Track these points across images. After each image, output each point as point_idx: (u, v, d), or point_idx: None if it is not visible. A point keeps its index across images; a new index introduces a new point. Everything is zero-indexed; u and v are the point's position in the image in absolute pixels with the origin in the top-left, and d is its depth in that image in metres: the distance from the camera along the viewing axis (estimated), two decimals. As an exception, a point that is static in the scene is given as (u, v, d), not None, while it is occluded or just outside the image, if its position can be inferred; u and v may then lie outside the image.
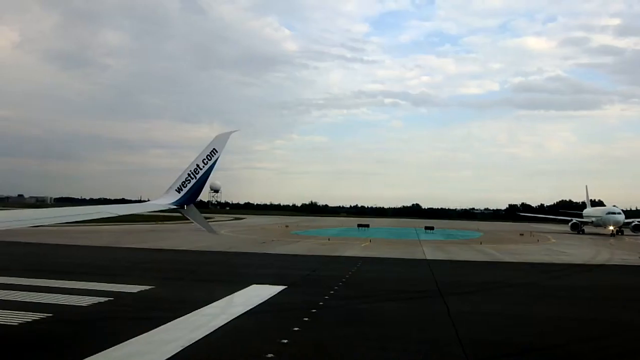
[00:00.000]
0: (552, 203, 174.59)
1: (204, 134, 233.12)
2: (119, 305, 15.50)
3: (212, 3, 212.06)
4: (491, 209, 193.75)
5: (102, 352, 10.22)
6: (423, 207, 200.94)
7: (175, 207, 12.93)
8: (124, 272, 23.34)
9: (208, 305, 15.23)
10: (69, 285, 18.35)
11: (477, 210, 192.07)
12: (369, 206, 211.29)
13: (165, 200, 13.10)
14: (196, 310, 14.43)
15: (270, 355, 10.22)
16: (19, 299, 15.55)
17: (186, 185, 13.07)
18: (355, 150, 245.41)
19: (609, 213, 62.38)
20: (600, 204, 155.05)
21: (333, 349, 11.14)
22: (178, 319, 13.32)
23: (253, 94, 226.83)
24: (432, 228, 64.76)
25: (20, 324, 12.62)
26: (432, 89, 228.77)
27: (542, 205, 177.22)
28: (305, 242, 44.82)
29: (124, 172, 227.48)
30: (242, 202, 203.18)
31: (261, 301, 16.18)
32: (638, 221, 63.38)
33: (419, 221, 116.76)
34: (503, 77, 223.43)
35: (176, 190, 13.06)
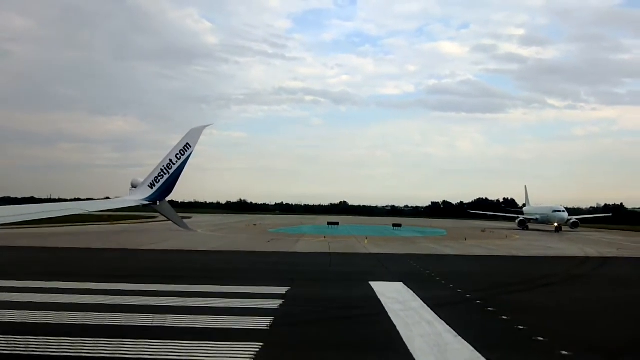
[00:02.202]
0: (471, 201, 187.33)
1: (118, 127, 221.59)
2: (304, 306, 15.63)
3: None
4: (411, 206, 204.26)
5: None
6: (350, 205, 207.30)
7: (147, 203, 12.81)
8: (241, 274, 23.28)
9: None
10: (229, 289, 18.20)
11: (398, 207, 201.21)
12: (295, 204, 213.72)
13: (137, 196, 12.96)
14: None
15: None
16: (238, 306, 15.30)
17: (159, 181, 12.92)
18: (276, 147, 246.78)
19: (555, 211, 68.88)
20: (512, 202, 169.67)
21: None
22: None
23: (171, 87, 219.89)
24: (400, 225, 67.86)
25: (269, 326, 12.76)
26: (352, 88, 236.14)
27: (461, 202, 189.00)
28: (308, 240, 45.39)
29: (29, 168, 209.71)
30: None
31: (413, 297, 17.10)
32: (576, 219, 70.94)
33: (361, 218, 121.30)
34: (418, 79, 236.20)
35: (149, 185, 12.89)
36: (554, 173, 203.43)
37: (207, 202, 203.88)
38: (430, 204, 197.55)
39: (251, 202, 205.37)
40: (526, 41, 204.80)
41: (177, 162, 12.97)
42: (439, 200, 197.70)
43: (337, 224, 68.92)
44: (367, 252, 35.44)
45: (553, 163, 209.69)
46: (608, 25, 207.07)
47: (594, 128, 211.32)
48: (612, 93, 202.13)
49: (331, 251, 35.25)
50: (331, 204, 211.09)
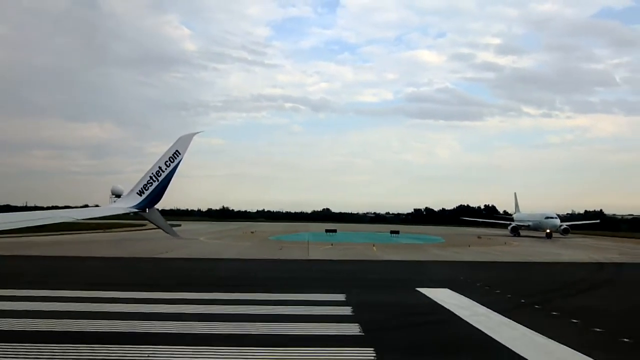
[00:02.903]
0: (452, 207, 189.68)
1: (94, 134, 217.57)
2: (376, 312, 15.96)
3: None
4: (392, 212, 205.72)
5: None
6: (333, 211, 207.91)
7: (136, 210, 12.84)
8: (283, 282, 23.47)
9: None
10: (287, 297, 18.49)
11: (380, 214, 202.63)
12: (277, 210, 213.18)
13: (127, 203, 12.98)
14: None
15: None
16: (308, 313, 15.66)
17: (148, 188, 12.89)
18: (256, 154, 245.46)
19: (547, 217, 70.64)
20: (493, 209, 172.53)
21: None
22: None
23: (149, 94, 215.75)
24: (397, 232, 68.75)
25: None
26: (331, 95, 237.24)
27: (443, 209, 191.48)
28: (317, 247, 45.52)
29: (2, 174, 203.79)
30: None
31: (472, 303, 17.71)
32: (566, 225, 72.94)
33: (349, 225, 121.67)
34: (397, 87, 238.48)
35: (137, 193, 12.89)
36: (531, 180, 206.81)
37: (189, 209, 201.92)
38: (412, 210, 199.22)
39: (233, 210, 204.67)
40: (502, 50, 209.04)
41: (166, 169, 13.14)
42: (421, 207, 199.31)
43: (334, 231, 69.42)
44: (382, 259, 36.14)
45: (530, 170, 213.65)
46: (581, 36, 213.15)
47: (568, 136, 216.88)
48: (585, 102, 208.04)
49: (347, 258, 35.78)
50: (314, 211, 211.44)
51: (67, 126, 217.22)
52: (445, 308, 16.70)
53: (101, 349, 11.07)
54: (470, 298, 18.52)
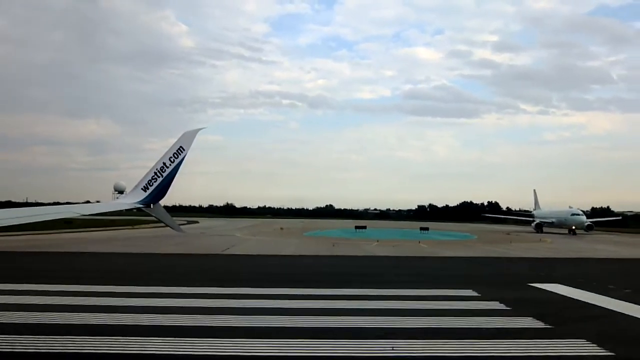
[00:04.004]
0: (456, 204, 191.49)
1: (92, 130, 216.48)
2: (534, 307, 16.03)
3: None
4: (393, 209, 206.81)
5: None
6: (337, 208, 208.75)
7: (141, 206, 13.02)
8: (396, 278, 23.81)
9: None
10: (425, 293, 18.83)
11: (384, 210, 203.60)
12: (278, 207, 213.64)
13: (131, 199, 13.15)
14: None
15: None
16: (464, 307, 15.91)
17: (152, 184, 13.04)
18: (253, 151, 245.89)
19: (573, 214, 71.78)
20: (496, 205, 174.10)
21: None
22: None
23: (146, 90, 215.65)
24: (427, 229, 69.55)
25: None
26: (328, 92, 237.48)
27: (447, 206, 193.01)
28: (367, 244, 45.96)
29: (1, 171, 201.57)
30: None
31: (608, 299, 17.98)
32: (590, 221, 74.14)
33: (357, 222, 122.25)
34: (394, 84, 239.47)
35: (142, 188, 13.04)
36: (529, 177, 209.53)
37: (191, 205, 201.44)
38: (416, 207, 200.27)
39: (236, 206, 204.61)
40: (499, 47, 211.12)
41: (170, 165, 13.27)
42: (423, 203, 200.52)
43: (364, 227, 70.08)
44: (444, 255, 36.66)
45: (528, 167, 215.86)
46: (578, 33, 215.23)
47: (565, 133, 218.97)
48: (581, 99, 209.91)
49: (410, 255, 36.24)
50: (317, 207, 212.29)
51: (64, 122, 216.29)
52: (590, 303, 17.13)
53: (254, 343, 11.31)
54: (600, 294, 18.73)
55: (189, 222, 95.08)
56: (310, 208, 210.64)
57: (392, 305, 16.19)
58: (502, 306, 16.32)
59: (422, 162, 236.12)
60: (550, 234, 70.39)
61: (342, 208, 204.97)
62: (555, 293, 19.27)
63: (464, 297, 18.03)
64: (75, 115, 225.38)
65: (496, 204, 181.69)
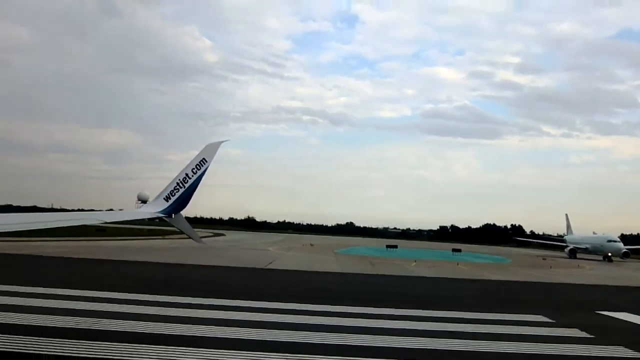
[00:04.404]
0: (479, 226, 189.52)
1: (112, 139, 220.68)
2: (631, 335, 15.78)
3: (131, 6, 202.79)
4: (413, 229, 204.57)
5: None
6: (357, 225, 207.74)
7: (163, 215, 13.04)
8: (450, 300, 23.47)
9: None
10: (492, 317, 18.53)
11: (405, 230, 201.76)
12: (298, 222, 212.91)
13: (153, 208, 13.19)
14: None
15: None
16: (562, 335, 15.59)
17: (174, 194, 13.12)
18: (273, 166, 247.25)
19: (610, 241, 70.46)
20: (519, 229, 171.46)
21: None
22: None
23: (168, 102, 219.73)
24: (459, 250, 68.85)
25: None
26: (349, 109, 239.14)
27: (469, 227, 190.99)
28: (406, 264, 45.65)
29: (17, 176, 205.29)
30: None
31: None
32: (627, 249, 72.57)
33: (382, 240, 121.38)
34: (415, 103, 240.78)
35: (164, 198, 13.11)
36: (552, 200, 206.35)
37: (211, 217, 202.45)
38: (438, 227, 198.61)
39: (257, 220, 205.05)
40: (521, 69, 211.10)
41: (193, 176, 13.33)
42: (443, 223, 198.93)
43: (395, 247, 69.63)
44: (489, 278, 36.04)
45: (550, 191, 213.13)
46: (600, 56, 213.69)
47: (589, 156, 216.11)
48: (606, 122, 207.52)
49: (449, 276, 35.59)
50: (338, 224, 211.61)
51: (85, 131, 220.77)
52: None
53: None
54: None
55: (216, 235, 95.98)
56: (330, 225, 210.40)
57: (467, 328, 15.87)
58: (584, 334, 15.86)
59: (442, 182, 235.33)
60: (584, 260, 69.04)
61: (363, 226, 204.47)
62: (630, 322, 18.79)
63: (538, 323, 17.64)
64: (96, 125, 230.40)
65: (520, 227, 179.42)
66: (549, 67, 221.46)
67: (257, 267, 35.23)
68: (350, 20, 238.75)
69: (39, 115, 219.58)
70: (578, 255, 75.18)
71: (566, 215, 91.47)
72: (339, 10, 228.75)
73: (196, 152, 14.24)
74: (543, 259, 67.03)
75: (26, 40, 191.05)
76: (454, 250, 68.32)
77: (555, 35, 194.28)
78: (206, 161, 13.55)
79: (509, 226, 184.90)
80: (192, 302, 17.84)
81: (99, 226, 75.20)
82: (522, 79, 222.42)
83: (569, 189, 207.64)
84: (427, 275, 35.52)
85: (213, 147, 13.89)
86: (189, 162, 13.94)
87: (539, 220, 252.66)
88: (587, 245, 75.46)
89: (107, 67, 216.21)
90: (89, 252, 38.21)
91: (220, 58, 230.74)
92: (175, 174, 13.65)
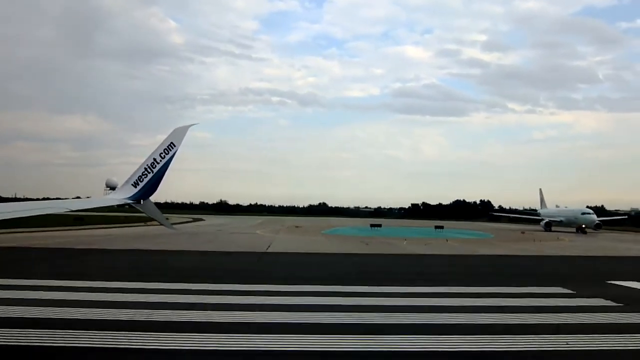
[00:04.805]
0: (449, 202, 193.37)
1: (78, 125, 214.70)
2: None
3: None
4: (384, 207, 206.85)
5: None
6: (330, 206, 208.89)
7: (131, 202, 12.97)
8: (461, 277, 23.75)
9: None
10: (515, 290, 18.99)
11: (378, 208, 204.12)
12: (269, 204, 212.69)
13: (121, 194, 13.12)
14: None
15: None
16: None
17: (142, 180, 13.00)
18: (243, 148, 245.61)
19: (584, 213, 73.07)
20: (488, 204, 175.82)
21: None
22: None
23: (134, 87, 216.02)
24: (442, 227, 70.30)
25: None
26: (318, 90, 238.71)
27: (440, 204, 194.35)
28: (397, 243, 46.35)
29: None
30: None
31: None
32: (599, 220, 75.58)
33: (357, 220, 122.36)
34: (384, 82, 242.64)
35: (132, 184, 13.01)
36: (518, 176, 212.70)
37: (182, 202, 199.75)
38: (410, 205, 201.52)
39: (230, 203, 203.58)
40: (488, 47, 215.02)
41: (161, 161, 13.37)
42: (415, 201, 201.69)
43: (380, 225, 70.55)
44: (485, 253, 36.90)
45: (516, 166, 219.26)
46: (565, 33, 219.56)
47: (552, 132, 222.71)
48: (568, 98, 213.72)
49: (448, 253, 36.38)
50: (310, 205, 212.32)
51: (51, 118, 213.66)
52: None
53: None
54: None
55: (195, 220, 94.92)
56: (302, 206, 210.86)
57: (493, 302, 16.29)
58: (610, 302, 16.43)
59: (412, 160, 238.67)
60: (559, 232, 71.49)
61: (335, 206, 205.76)
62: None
63: (562, 294, 18.25)
64: (61, 111, 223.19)
65: (488, 202, 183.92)
66: (515, 45, 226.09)
67: (258, 250, 35.11)
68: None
69: (3, 103, 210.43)
70: (553, 229, 77.88)
71: (540, 189, 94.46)
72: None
73: (164, 137, 13.79)
74: (522, 232, 69.22)
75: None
76: (436, 227, 69.73)
77: (521, 13, 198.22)
78: (174, 145, 13.41)
79: (478, 202, 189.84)
80: (242, 289, 17.41)
81: (76, 215, 73.50)
82: (489, 57, 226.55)
83: (533, 164, 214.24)
84: (426, 253, 36.20)
85: (181, 131, 13.67)
86: (156, 146, 13.64)
87: (506, 195, 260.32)
88: (562, 218, 78.17)
89: (71, 52, 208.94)
90: (89, 243, 37.35)
91: (186, 40, 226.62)
92: (143, 159, 13.27)
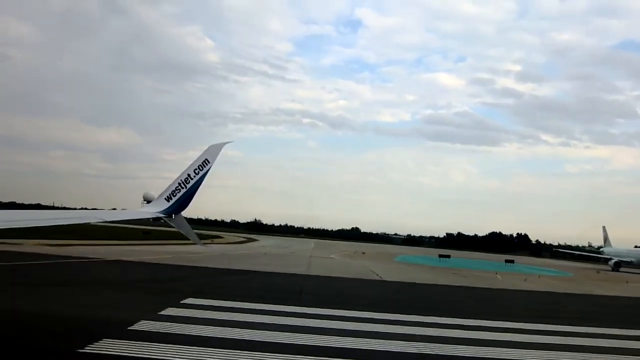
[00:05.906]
0: (485, 234, 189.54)
1: (111, 138, 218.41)
2: None
3: (134, 5, 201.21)
4: (413, 235, 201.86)
5: None
6: (363, 231, 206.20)
7: (163, 215, 13.00)
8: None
9: None
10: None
11: (411, 236, 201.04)
12: (299, 226, 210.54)
13: (154, 208, 13.14)
14: None
15: None
16: None
17: (176, 195, 13.08)
18: (272, 168, 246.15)
19: (659, 254, 71.18)
20: (525, 238, 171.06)
21: None
22: None
23: (168, 102, 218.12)
24: (512, 261, 68.82)
25: None
26: (349, 113, 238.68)
27: (476, 235, 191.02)
28: (487, 275, 45.36)
29: (16, 173, 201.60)
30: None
31: None
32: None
33: (396, 248, 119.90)
34: (415, 108, 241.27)
35: (165, 199, 13.09)
36: (552, 209, 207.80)
37: (214, 219, 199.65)
38: (445, 235, 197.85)
39: (266, 224, 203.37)
40: (522, 77, 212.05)
41: (195, 177, 13.26)
42: (450, 230, 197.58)
43: (448, 256, 69.52)
44: (600, 294, 35.60)
45: (548, 199, 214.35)
46: (601, 66, 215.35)
47: (587, 166, 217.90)
48: (605, 132, 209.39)
49: (565, 292, 35.19)
50: (342, 229, 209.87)
51: (84, 129, 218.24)
52: None
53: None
54: None
55: (249, 240, 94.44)
56: (332, 229, 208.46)
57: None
58: None
59: (441, 188, 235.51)
60: (630, 274, 69.12)
61: (369, 232, 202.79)
62: None
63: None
64: (95, 123, 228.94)
65: (526, 235, 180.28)
66: (550, 76, 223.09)
67: (366, 278, 34.51)
68: (354, 24, 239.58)
69: (38, 111, 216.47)
70: (622, 269, 75.38)
71: (603, 227, 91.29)
72: (342, 14, 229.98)
73: (195, 153, 13.90)
74: (597, 272, 67.19)
75: (28, 37, 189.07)
76: (507, 261, 68.38)
77: (557, 44, 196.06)
78: (209, 162, 13.45)
79: (515, 235, 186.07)
80: (382, 318, 17.12)
81: (144, 229, 73.92)
82: (523, 87, 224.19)
83: (566, 198, 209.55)
84: (538, 290, 35.08)
85: (216, 148, 13.75)
86: (188, 162, 13.70)
87: (541, 228, 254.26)
88: (632, 259, 75.77)
89: (108, 65, 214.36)
90: (186, 260, 36.56)
91: (221, 58, 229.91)
92: (174, 174, 13.45)
